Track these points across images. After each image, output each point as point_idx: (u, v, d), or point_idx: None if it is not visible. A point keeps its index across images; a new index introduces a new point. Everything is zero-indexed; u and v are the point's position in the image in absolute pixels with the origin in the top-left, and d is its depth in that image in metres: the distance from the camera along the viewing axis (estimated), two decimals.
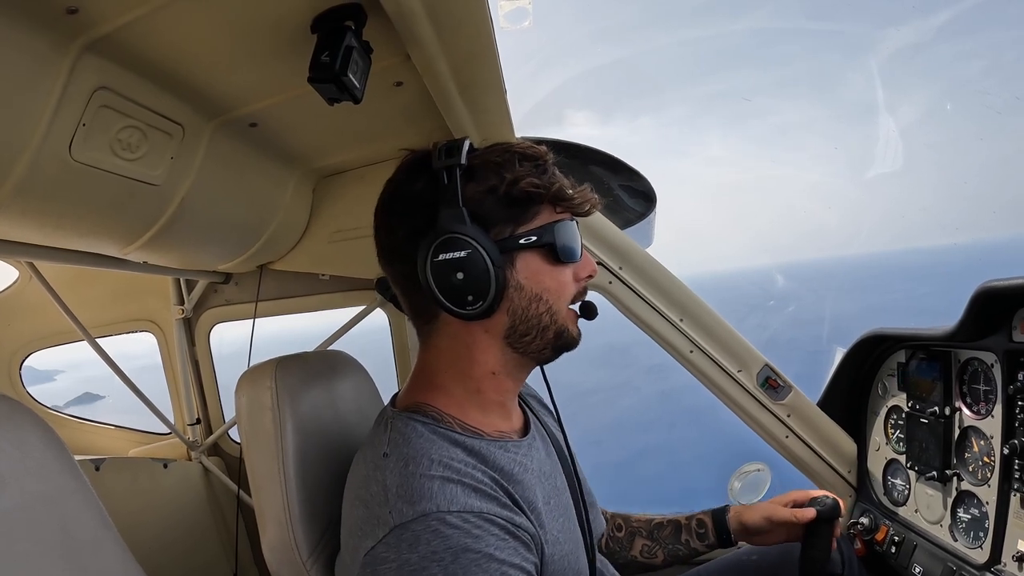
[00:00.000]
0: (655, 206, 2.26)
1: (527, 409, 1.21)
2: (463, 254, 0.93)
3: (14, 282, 2.55)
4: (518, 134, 1.56)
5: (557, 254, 1.00)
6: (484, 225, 0.96)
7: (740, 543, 1.44)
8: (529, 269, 0.99)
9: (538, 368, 1.13)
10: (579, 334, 1.08)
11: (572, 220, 1.04)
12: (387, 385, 1.48)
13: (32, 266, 2.03)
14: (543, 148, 1.04)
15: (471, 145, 1.01)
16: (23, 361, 2.77)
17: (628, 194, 2.18)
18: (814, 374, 1.94)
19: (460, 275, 0.93)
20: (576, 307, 1.08)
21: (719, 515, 1.44)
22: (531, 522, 0.94)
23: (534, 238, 0.98)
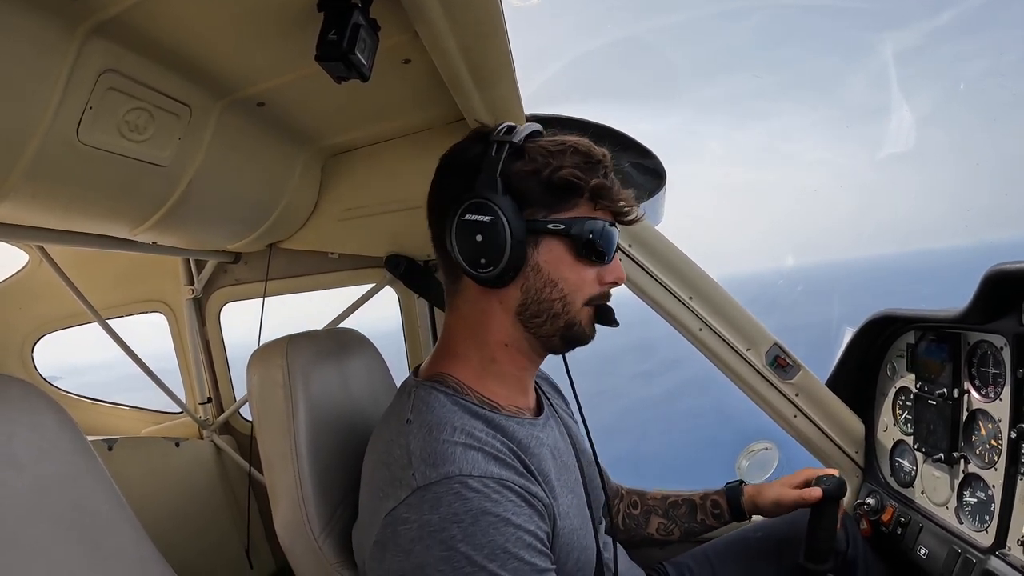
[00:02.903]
0: (664, 183, 2.24)
1: (540, 392, 1.23)
2: (486, 219, 0.96)
3: (24, 266, 2.57)
4: (526, 112, 1.55)
5: (581, 249, 1.02)
6: (521, 202, 0.99)
7: (753, 516, 1.49)
8: (551, 255, 1.02)
9: (560, 359, 1.17)
10: (592, 332, 1.09)
11: (610, 224, 1.06)
12: None
13: (42, 249, 2.04)
14: (603, 150, 1.06)
15: (537, 132, 1.07)
16: (35, 344, 2.80)
17: (638, 171, 2.16)
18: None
19: (479, 237, 0.97)
20: (592, 307, 1.08)
21: (734, 497, 1.50)
22: (545, 493, 0.97)
23: (562, 227, 1.01)
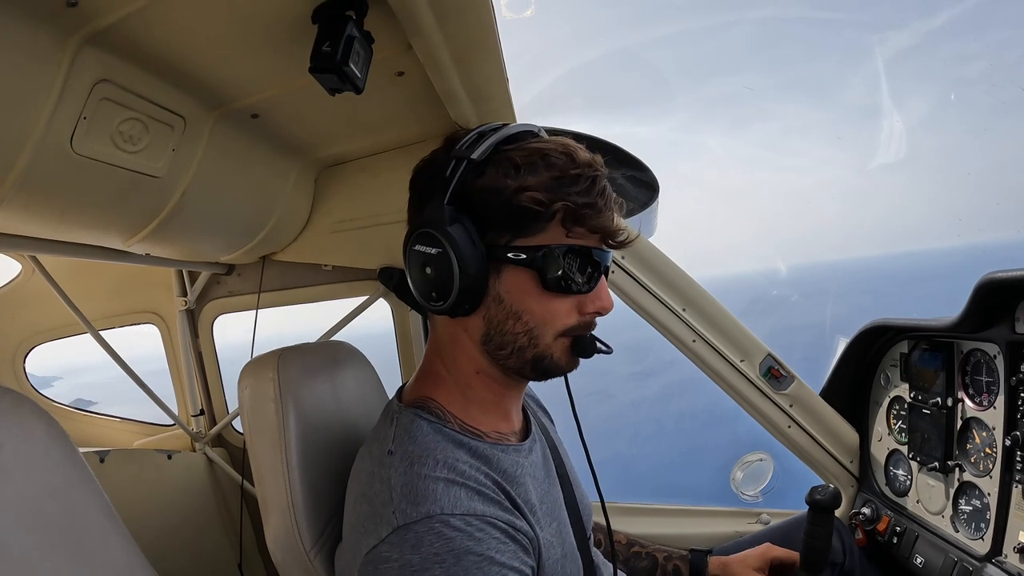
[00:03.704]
0: (658, 195, 2.26)
1: (528, 413, 1.19)
2: (433, 251, 0.89)
3: (17, 275, 2.55)
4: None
5: (548, 281, 0.91)
6: (483, 225, 0.90)
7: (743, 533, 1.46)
8: (514, 285, 0.93)
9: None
10: (569, 363, 0.99)
11: (594, 248, 0.95)
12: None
13: (35, 259, 2.03)
14: (588, 157, 0.93)
15: (524, 133, 0.96)
16: (27, 354, 2.78)
17: (631, 184, 2.17)
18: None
19: (428, 270, 0.91)
20: (569, 339, 0.97)
21: (698, 566, 1.44)
22: (530, 525, 0.94)
23: (523, 256, 0.90)
